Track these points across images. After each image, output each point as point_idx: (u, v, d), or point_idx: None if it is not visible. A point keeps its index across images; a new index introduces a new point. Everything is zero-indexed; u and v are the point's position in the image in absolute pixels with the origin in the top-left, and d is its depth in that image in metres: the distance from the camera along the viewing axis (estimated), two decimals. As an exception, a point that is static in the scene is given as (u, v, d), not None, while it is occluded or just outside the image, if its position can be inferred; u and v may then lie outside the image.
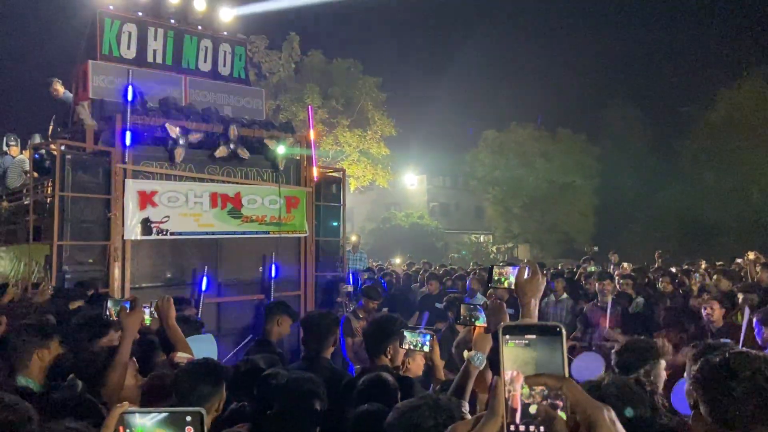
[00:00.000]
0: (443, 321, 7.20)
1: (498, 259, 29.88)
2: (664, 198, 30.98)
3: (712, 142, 30.21)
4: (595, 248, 12.70)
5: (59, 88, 8.84)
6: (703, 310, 5.92)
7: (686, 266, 10.02)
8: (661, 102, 35.69)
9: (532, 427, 0.99)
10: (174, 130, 7.08)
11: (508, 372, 1.00)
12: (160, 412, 1.13)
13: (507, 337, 1.02)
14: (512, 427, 0.99)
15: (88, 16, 8.22)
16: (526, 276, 2.02)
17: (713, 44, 37.73)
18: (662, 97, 36.00)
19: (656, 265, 9.28)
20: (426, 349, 3.14)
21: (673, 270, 9.67)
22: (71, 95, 8.40)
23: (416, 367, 3.51)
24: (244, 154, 7.66)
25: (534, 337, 1.01)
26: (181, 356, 3.41)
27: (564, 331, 1.02)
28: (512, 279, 2.21)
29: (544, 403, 0.99)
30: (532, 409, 0.99)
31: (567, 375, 0.99)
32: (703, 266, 9.33)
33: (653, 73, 39.64)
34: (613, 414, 0.97)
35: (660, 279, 8.41)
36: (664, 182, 31.57)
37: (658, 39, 42.16)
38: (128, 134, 6.82)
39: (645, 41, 43.44)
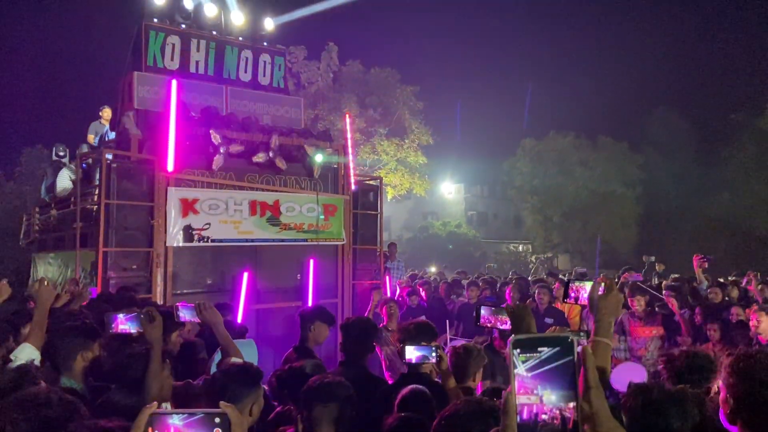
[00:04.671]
0: (482, 335, 7.04)
1: (537, 269, 29.44)
2: (710, 208, 30.06)
3: (760, 150, 29.21)
4: (652, 258, 12.37)
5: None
6: (750, 322, 5.70)
7: (733, 277, 9.65)
8: (708, 108, 34.72)
9: None
10: (216, 137, 7.21)
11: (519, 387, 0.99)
12: (190, 413, 1.13)
13: (518, 351, 1.00)
14: None
15: (134, 29, 8.47)
16: (600, 292, 1.94)
17: (762, 49, 36.59)
18: (708, 104, 35.05)
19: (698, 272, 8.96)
20: (432, 361, 3.15)
21: (721, 280, 9.35)
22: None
23: None
24: (281, 164, 7.75)
25: (546, 349, 0.99)
26: (235, 362, 3.41)
27: (575, 342, 1.00)
28: (584, 295, 2.12)
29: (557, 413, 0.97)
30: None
31: (577, 383, 0.98)
32: (754, 278, 8.96)
33: (699, 78, 38.68)
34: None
35: (709, 289, 8.13)
36: (710, 191, 30.63)
37: (704, 44, 41.14)
38: (171, 143, 6.98)
39: (691, 46, 42.45)
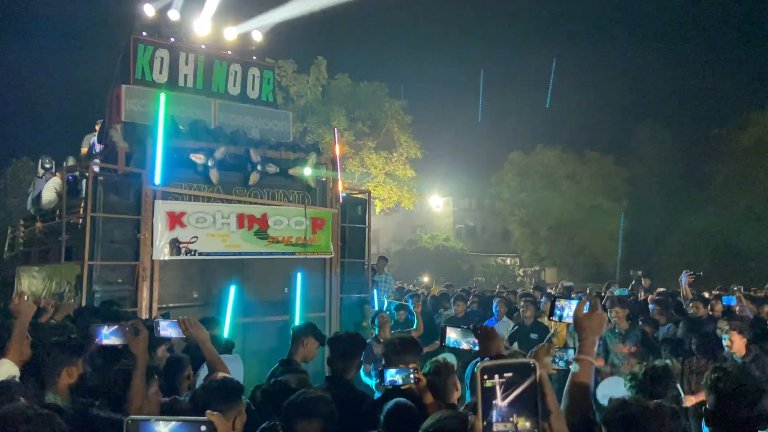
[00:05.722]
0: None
1: (525, 282, 29.55)
2: (695, 222, 30.33)
3: (744, 166, 29.61)
4: (639, 272, 12.55)
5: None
6: (723, 341, 5.73)
7: (717, 291, 9.76)
8: (692, 124, 35.12)
9: None
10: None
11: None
12: (176, 421, 1.16)
13: (485, 377, 1.03)
14: None
15: (122, 43, 8.48)
16: (585, 311, 1.97)
17: (745, 66, 37.18)
18: (693, 119, 35.45)
19: (684, 286, 9.09)
20: (411, 382, 3.16)
21: (706, 295, 9.45)
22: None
23: None
24: (272, 169, 7.77)
25: (511, 375, 1.03)
26: (221, 376, 3.39)
27: (537, 367, 1.04)
28: (569, 313, 2.14)
29: None
30: None
31: (541, 409, 1.01)
32: (738, 292, 9.06)
33: (684, 94, 39.07)
34: None
35: (691, 303, 8.21)
36: (695, 206, 30.93)
37: (689, 60, 41.74)
38: (159, 156, 6.98)
39: (675, 62, 43.04)
